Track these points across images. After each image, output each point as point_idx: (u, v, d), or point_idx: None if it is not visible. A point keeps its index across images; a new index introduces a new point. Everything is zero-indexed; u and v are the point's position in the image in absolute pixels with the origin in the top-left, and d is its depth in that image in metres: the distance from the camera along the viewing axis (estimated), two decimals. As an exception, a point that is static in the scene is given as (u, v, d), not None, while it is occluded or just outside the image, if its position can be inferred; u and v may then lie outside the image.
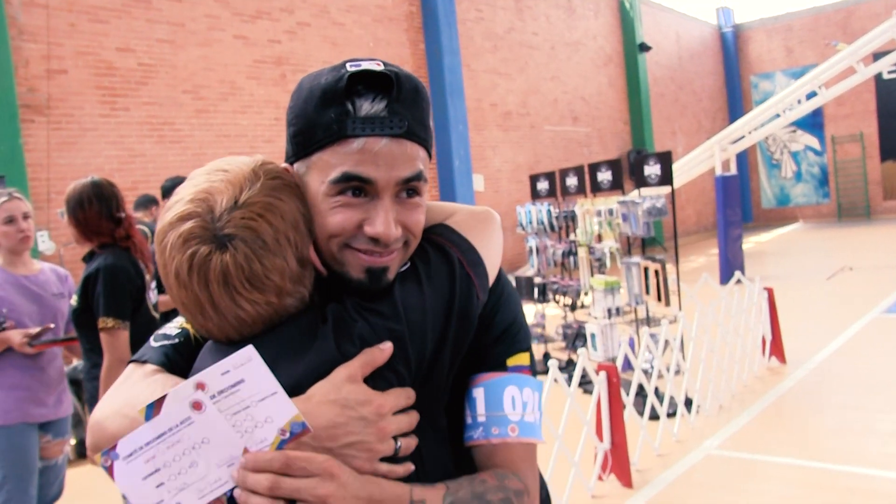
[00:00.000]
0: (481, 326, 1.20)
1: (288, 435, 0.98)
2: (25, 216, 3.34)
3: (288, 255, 1.08)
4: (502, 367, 1.21)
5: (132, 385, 1.14)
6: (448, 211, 1.28)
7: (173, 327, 1.24)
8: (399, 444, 1.07)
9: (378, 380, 1.06)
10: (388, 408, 1.05)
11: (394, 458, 1.08)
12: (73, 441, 5.38)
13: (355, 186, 1.09)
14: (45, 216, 7.74)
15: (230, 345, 1.10)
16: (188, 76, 9.25)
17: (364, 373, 1.05)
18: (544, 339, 7.62)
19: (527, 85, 15.28)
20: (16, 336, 3.17)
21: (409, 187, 1.12)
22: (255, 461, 0.98)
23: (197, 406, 0.97)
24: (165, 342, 1.21)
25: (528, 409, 1.20)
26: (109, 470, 0.96)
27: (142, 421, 0.96)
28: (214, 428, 0.97)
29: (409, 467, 1.08)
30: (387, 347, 1.07)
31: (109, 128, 8.46)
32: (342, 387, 1.04)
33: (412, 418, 1.09)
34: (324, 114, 1.09)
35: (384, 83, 1.08)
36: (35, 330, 3.22)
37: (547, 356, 7.42)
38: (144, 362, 1.17)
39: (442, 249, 1.18)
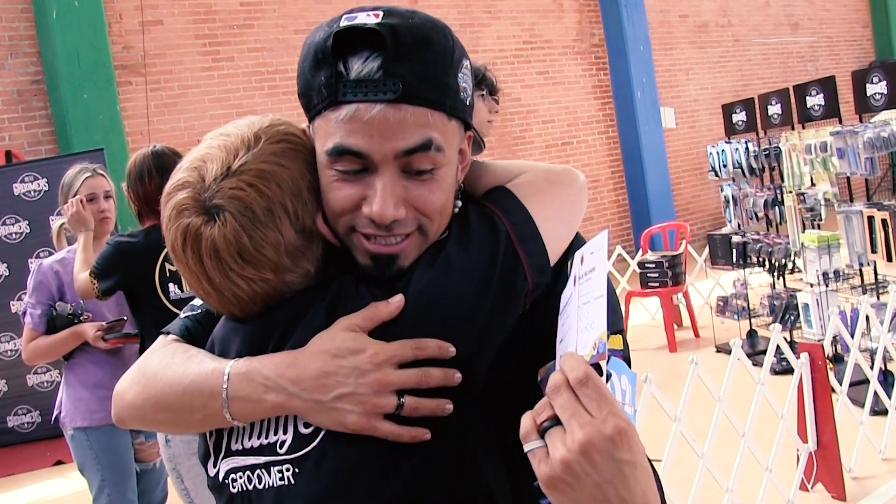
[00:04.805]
0: (549, 310, 1.24)
1: (595, 352, 1.00)
2: (107, 196, 3.73)
3: (284, 228, 1.20)
4: None
5: (148, 354, 1.36)
6: (515, 171, 1.34)
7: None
8: (403, 399, 1.14)
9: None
10: (386, 357, 1.14)
11: (401, 420, 1.14)
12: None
13: (350, 160, 1.18)
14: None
15: (236, 321, 1.28)
16: (299, 13, 9.67)
17: (365, 326, 1.16)
18: (748, 314, 7.48)
19: (727, -15, 14.77)
20: (90, 329, 3.57)
21: (414, 160, 1.17)
22: (562, 363, 0.98)
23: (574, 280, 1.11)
24: (190, 313, 1.41)
25: None
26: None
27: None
28: (577, 308, 1.08)
29: (420, 433, 1.14)
30: (395, 301, 1.17)
31: (213, 82, 9.07)
32: (336, 335, 1.16)
33: (424, 375, 1.14)
34: (317, 75, 1.19)
35: (380, 38, 1.14)
36: (108, 323, 3.60)
37: (752, 334, 7.30)
38: (168, 333, 1.39)
39: (490, 219, 1.24)
